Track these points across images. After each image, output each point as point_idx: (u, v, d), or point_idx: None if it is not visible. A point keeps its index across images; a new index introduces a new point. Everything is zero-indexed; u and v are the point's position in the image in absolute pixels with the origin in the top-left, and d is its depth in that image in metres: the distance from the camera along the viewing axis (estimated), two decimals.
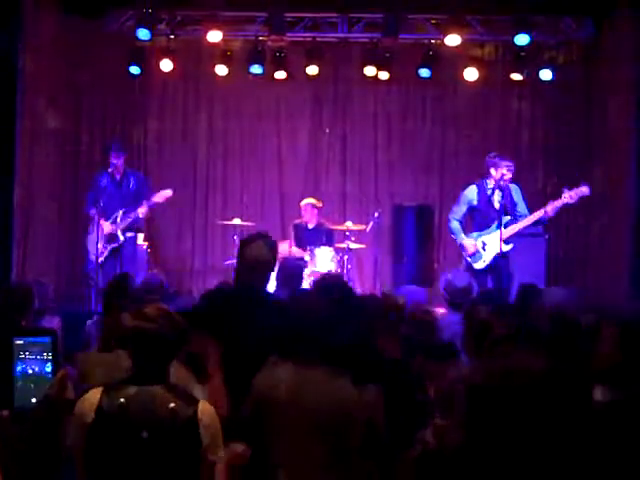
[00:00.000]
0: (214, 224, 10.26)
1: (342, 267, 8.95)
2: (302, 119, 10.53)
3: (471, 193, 7.85)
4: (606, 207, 8.73)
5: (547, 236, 8.60)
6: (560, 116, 9.92)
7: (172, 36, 9.50)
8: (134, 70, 9.42)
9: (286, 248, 8.96)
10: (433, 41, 9.42)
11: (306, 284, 6.72)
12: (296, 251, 8.97)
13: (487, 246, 7.68)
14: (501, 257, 7.52)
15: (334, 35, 9.79)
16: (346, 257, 9.04)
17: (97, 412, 2.75)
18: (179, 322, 2.90)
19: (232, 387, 3.45)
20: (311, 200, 9.31)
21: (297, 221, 9.42)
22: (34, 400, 2.86)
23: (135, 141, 10.33)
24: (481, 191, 7.79)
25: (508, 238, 7.54)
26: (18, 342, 2.92)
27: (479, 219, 7.84)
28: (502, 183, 7.63)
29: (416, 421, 3.29)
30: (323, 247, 8.89)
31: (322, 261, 8.76)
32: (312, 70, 9.59)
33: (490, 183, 7.74)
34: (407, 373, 3.74)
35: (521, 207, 7.73)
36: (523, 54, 9.11)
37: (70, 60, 9.37)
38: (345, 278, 8.76)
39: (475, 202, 7.82)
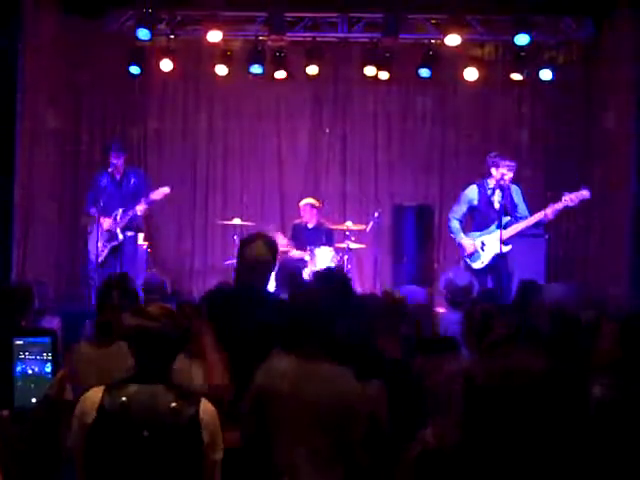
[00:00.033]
0: (214, 224, 10.26)
1: (342, 267, 8.94)
2: (302, 119, 10.53)
3: (472, 193, 7.85)
4: (606, 207, 8.72)
5: (547, 236, 8.59)
6: (560, 116, 9.92)
7: (172, 36, 9.50)
8: (134, 70, 9.42)
9: (282, 241, 9.00)
10: (433, 41, 9.42)
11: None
12: (296, 253, 8.96)
13: (486, 246, 7.68)
14: (500, 257, 7.52)
15: (334, 35, 9.79)
16: (346, 257, 9.05)
17: (99, 411, 2.75)
18: (181, 321, 2.91)
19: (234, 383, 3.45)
20: (310, 200, 9.32)
21: (297, 221, 9.42)
22: (34, 400, 2.86)
23: (135, 141, 10.33)
24: (481, 191, 7.79)
25: (507, 239, 7.54)
26: (18, 342, 2.92)
27: (479, 219, 7.84)
28: (502, 183, 7.64)
29: (416, 420, 3.30)
30: (323, 247, 8.89)
31: (322, 261, 8.75)
32: (312, 70, 9.59)
33: (491, 183, 7.74)
34: (407, 373, 3.74)
35: (521, 208, 7.73)
36: (523, 54, 9.11)
37: (70, 60, 9.37)
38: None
39: (475, 202, 7.83)
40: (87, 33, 9.52)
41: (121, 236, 8.42)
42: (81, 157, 9.85)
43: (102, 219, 8.28)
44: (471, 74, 9.40)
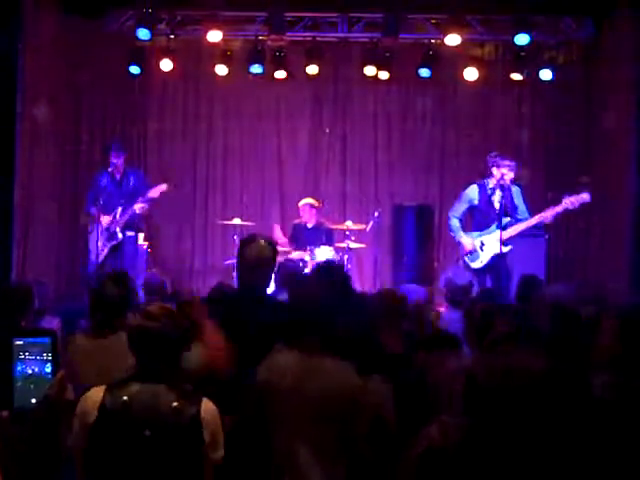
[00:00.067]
0: (214, 224, 10.26)
1: (342, 262, 8.94)
2: (302, 119, 10.53)
3: (472, 192, 7.86)
4: (606, 207, 8.72)
5: (547, 236, 8.60)
6: (560, 116, 9.91)
7: (172, 36, 9.50)
8: (134, 70, 9.42)
9: (279, 235, 9.02)
10: (433, 41, 9.42)
11: None
12: (295, 254, 8.95)
13: (485, 246, 7.69)
14: (499, 257, 7.52)
15: (334, 35, 9.79)
16: (346, 257, 9.04)
17: (100, 410, 2.75)
18: (182, 321, 2.91)
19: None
20: (309, 200, 9.31)
21: (296, 221, 9.42)
22: (34, 401, 2.85)
23: (135, 141, 10.33)
24: (482, 191, 7.79)
25: (507, 240, 7.54)
26: (18, 343, 2.92)
27: (479, 219, 7.85)
28: (502, 182, 7.63)
29: (419, 415, 3.30)
30: (323, 247, 8.89)
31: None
32: (312, 70, 9.59)
33: (491, 183, 7.74)
34: (409, 367, 3.75)
35: (521, 209, 7.73)
36: (523, 54, 9.11)
37: (70, 60, 9.37)
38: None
39: (476, 202, 7.83)
40: (87, 33, 9.52)
41: (120, 235, 8.43)
42: (81, 157, 9.85)
43: (102, 216, 8.29)
44: (471, 74, 9.40)
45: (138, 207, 8.38)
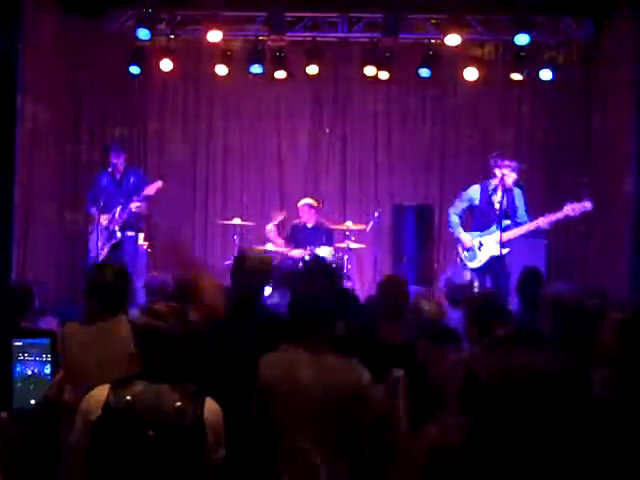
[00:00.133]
0: (214, 224, 10.26)
1: (342, 267, 8.94)
2: (302, 119, 10.53)
3: (474, 192, 7.86)
4: (606, 208, 8.72)
5: (547, 241, 8.60)
6: (560, 116, 9.91)
7: (172, 36, 9.50)
8: (134, 70, 9.42)
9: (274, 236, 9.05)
10: (433, 41, 9.42)
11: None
12: (296, 252, 8.96)
13: (483, 247, 7.69)
14: (497, 259, 7.52)
15: (334, 35, 9.79)
16: (346, 257, 9.04)
17: (104, 409, 2.75)
18: (190, 321, 2.90)
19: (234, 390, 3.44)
20: (308, 200, 9.31)
21: (295, 221, 9.42)
22: (33, 401, 2.86)
23: (135, 141, 10.33)
24: (484, 191, 7.79)
25: (505, 242, 7.52)
26: (17, 343, 2.92)
27: (479, 219, 7.84)
28: (504, 184, 7.61)
29: (421, 410, 3.32)
30: (323, 247, 8.89)
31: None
32: (312, 70, 9.59)
33: (493, 184, 7.73)
34: (413, 358, 3.77)
35: (520, 213, 7.72)
36: (523, 54, 9.10)
37: (70, 60, 9.37)
38: (345, 278, 8.77)
39: (476, 202, 7.83)
40: (87, 33, 9.53)
41: (119, 234, 8.44)
42: (81, 157, 9.85)
43: (101, 216, 8.30)
44: (471, 74, 9.40)
45: (134, 206, 8.39)
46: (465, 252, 7.79)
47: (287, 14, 9.30)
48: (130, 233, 8.55)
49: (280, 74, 9.62)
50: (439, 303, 4.99)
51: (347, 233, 9.08)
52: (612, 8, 8.81)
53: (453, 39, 8.87)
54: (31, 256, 8.59)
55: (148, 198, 8.46)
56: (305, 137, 10.54)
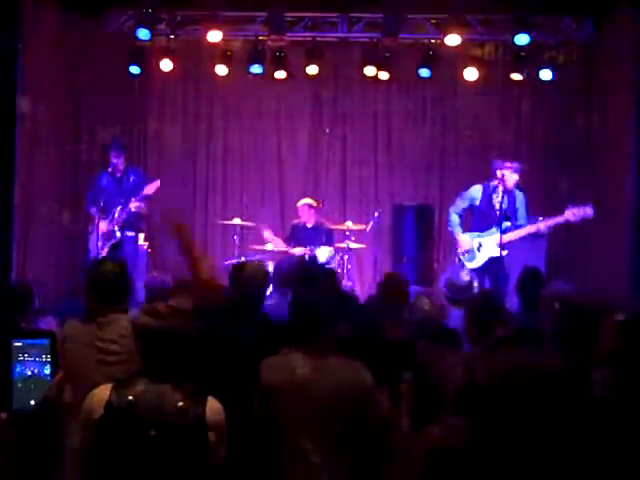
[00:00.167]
0: (214, 224, 10.26)
1: (342, 267, 8.95)
2: (302, 119, 10.53)
3: (475, 192, 7.85)
4: (606, 207, 8.71)
5: (547, 237, 8.59)
6: (560, 116, 9.90)
7: (172, 36, 9.51)
8: (134, 70, 9.42)
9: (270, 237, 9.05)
10: (433, 41, 9.42)
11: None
12: (297, 250, 8.95)
13: (482, 248, 7.69)
14: (495, 261, 7.51)
15: (334, 35, 9.80)
16: (346, 257, 9.04)
17: (106, 408, 2.75)
18: (190, 320, 2.89)
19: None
20: (307, 200, 9.30)
21: (295, 221, 9.41)
22: (33, 402, 2.85)
23: (135, 141, 10.32)
24: (485, 191, 7.78)
25: (505, 244, 7.51)
26: (17, 344, 2.92)
27: (479, 219, 7.84)
28: (505, 185, 7.60)
29: (423, 407, 3.33)
30: (323, 247, 8.89)
31: (322, 261, 8.76)
32: (312, 70, 9.59)
33: (494, 184, 7.72)
34: (414, 355, 3.76)
35: (521, 216, 7.71)
36: (523, 54, 9.10)
37: (70, 60, 9.37)
38: (344, 278, 8.78)
39: (477, 202, 7.83)
40: (87, 33, 9.53)
41: (119, 234, 8.44)
42: (81, 157, 9.84)
43: (100, 222, 8.30)
44: (471, 74, 9.40)
45: (134, 205, 8.39)
46: (463, 254, 7.79)
47: (287, 14, 9.30)
48: (130, 233, 8.56)
49: (280, 74, 9.62)
50: (441, 303, 4.99)
51: (347, 233, 9.08)
52: (612, 8, 8.81)
53: (453, 39, 8.87)
54: (31, 256, 8.59)
55: (147, 198, 8.46)
56: (305, 137, 10.54)
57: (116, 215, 8.44)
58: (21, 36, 8.28)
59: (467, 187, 8.09)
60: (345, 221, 9.38)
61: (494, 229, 7.57)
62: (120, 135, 9.89)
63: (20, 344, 2.94)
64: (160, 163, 10.38)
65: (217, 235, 10.39)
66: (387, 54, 9.49)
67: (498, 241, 7.44)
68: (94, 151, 9.82)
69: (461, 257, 7.79)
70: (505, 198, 7.63)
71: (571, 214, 7.38)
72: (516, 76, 9.38)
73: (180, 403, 2.76)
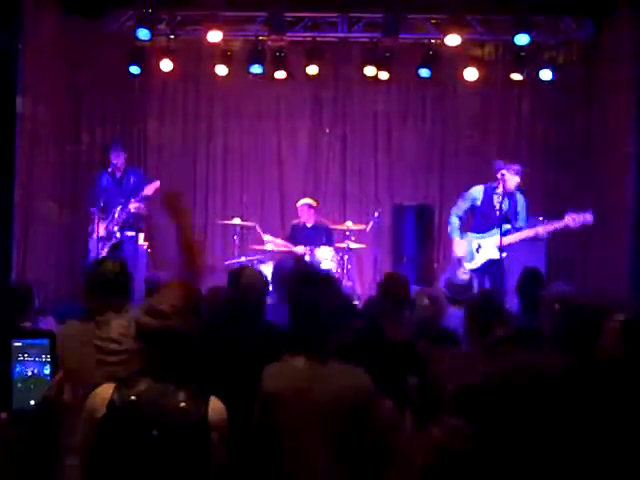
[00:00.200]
0: (214, 224, 10.26)
1: (342, 267, 8.95)
2: (302, 119, 10.53)
3: (477, 192, 7.84)
4: (606, 208, 8.72)
5: (547, 238, 8.59)
6: (560, 116, 9.91)
7: (172, 36, 9.51)
8: (134, 70, 9.43)
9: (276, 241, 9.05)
10: (433, 41, 9.42)
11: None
12: (299, 249, 8.93)
13: (481, 249, 7.68)
14: (494, 263, 7.51)
15: (334, 35, 9.80)
16: (346, 257, 9.03)
17: (109, 407, 2.74)
18: (193, 319, 2.89)
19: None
20: (307, 200, 9.31)
21: (295, 221, 9.42)
22: (32, 402, 2.85)
23: (135, 141, 10.33)
24: (487, 192, 7.76)
25: (504, 246, 7.50)
26: (16, 344, 2.91)
27: (479, 220, 7.83)
28: (504, 184, 7.59)
29: (423, 407, 3.33)
30: (323, 247, 8.89)
31: (322, 261, 8.76)
32: (312, 70, 9.59)
33: (497, 187, 7.71)
34: (415, 356, 3.76)
35: (521, 219, 7.71)
36: (523, 54, 9.11)
37: (70, 60, 9.37)
38: (345, 278, 8.78)
39: (478, 202, 7.82)
40: (87, 33, 9.52)
41: (118, 234, 8.45)
42: (81, 157, 9.85)
43: (100, 222, 8.30)
44: (471, 74, 9.40)
45: (133, 206, 8.40)
46: (465, 245, 7.79)
47: (287, 14, 9.31)
48: (130, 233, 8.57)
49: (280, 74, 9.62)
50: (440, 302, 4.99)
51: (347, 233, 9.08)
52: (612, 8, 8.81)
53: (453, 39, 8.87)
54: (31, 256, 8.59)
55: (147, 198, 8.46)
56: (305, 137, 10.54)
57: (116, 215, 8.45)
58: (21, 36, 8.29)
59: (467, 187, 8.08)
60: (345, 221, 9.38)
61: (494, 230, 7.55)
62: (120, 135, 9.89)
63: (20, 344, 2.94)
64: (160, 163, 10.39)
65: (217, 235, 10.39)
66: (387, 54, 9.50)
67: (497, 243, 7.43)
68: (94, 151, 9.83)
69: (460, 259, 7.78)
70: (506, 200, 7.62)
71: (571, 220, 7.36)
72: (516, 76, 9.38)
73: (182, 403, 2.76)
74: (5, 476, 2.71)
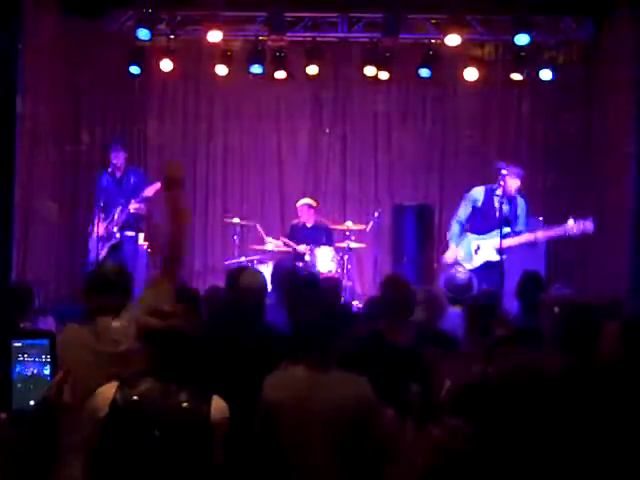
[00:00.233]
0: (214, 224, 10.27)
1: (342, 267, 8.94)
2: (302, 119, 10.53)
3: (478, 193, 7.83)
4: (606, 208, 8.72)
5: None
6: (560, 116, 9.91)
7: (172, 36, 9.51)
8: (134, 70, 9.43)
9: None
10: (433, 41, 9.42)
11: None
12: (302, 247, 8.92)
13: (480, 250, 7.68)
14: (491, 264, 7.50)
15: (334, 35, 9.80)
16: (346, 257, 9.03)
17: (111, 407, 2.75)
18: (195, 320, 2.89)
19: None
20: (307, 200, 9.31)
21: (295, 221, 9.42)
22: (32, 403, 2.85)
23: (135, 141, 10.32)
24: (487, 194, 7.75)
25: (503, 249, 7.48)
26: (16, 344, 2.91)
27: (480, 221, 7.82)
28: (504, 186, 7.58)
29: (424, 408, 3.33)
30: (323, 247, 8.89)
31: (322, 261, 8.76)
32: (312, 70, 9.59)
33: (498, 189, 7.70)
34: (417, 362, 3.76)
35: (520, 223, 7.70)
36: (523, 54, 9.10)
37: (70, 60, 9.37)
38: (345, 278, 8.78)
39: (479, 203, 7.81)
40: (87, 33, 9.53)
41: (118, 235, 8.45)
42: (81, 157, 9.85)
43: (100, 222, 8.30)
44: (471, 74, 9.40)
45: (133, 207, 8.39)
46: (461, 251, 7.78)
47: (287, 14, 9.31)
48: (130, 233, 8.56)
49: (280, 74, 9.61)
50: (439, 303, 4.99)
51: (347, 233, 9.07)
52: (612, 8, 8.81)
53: (453, 39, 8.87)
54: (31, 256, 8.60)
55: (147, 199, 8.46)
56: (305, 137, 10.54)
57: (115, 216, 8.44)
58: (21, 36, 8.30)
59: (467, 187, 8.08)
60: (345, 221, 9.38)
61: (494, 232, 7.53)
62: (120, 135, 9.88)
63: (20, 344, 2.93)
64: (160, 163, 10.36)
65: (217, 235, 10.39)
66: (387, 54, 9.49)
67: (496, 245, 7.43)
68: (94, 151, 9.84)
69: (458, 256, 7.78)
70: (506, 203, 7.61)
71: (570, 227, 7.35)
72: (516, 76, 9.38)
73: (185, 404, 2.77)
74: (5, 476, 2.71)
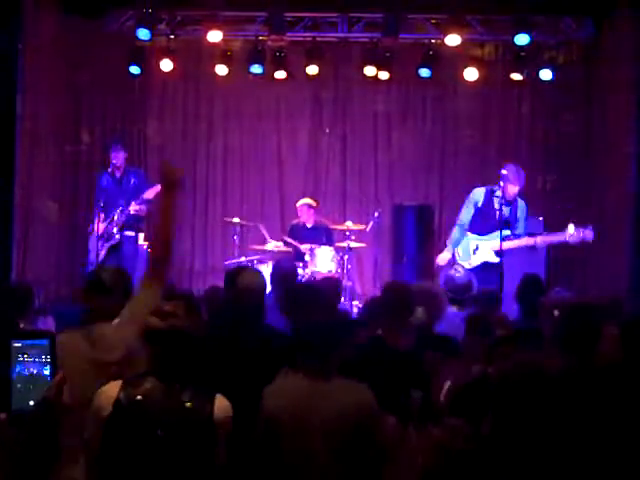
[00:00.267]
0: (214, 224, 10.27)
1: (342, 267, 8.94)
2: (302, 119, 10.53)
3: (479, 194, 7.83)
4: (606, 208, 8.72)
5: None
6: (560, 116, 9.91)
7: (172, 36, 9.50)
8: (134, 70, 9.43)
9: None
10: (433, 41, 9.42)
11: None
12: (305, 247, 8.91)
13: (478, 250, 7.68)
14: (489, 266, 7.49)
15: (334, 35, 9.79)
16: (346, 257, 9.02)
17: (115, 406, 2.75)
18: (198, 319, 2.89)
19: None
20: (307, 200, 9.31)
21: (294, 221, 9.42)
22: (32, 403, 2.85)
23: (135, 141, 10.32)
24: (488, 195, 7.74)
25: (501, 251, 7.47)
26: (16, 344, 2.92)
27: (480, 222, 7.81)
28: (504, 188, 7.57)
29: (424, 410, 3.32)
30: (323, 247, 8.89)
31: (322, 261, 8.76)
32: (312, 70, 9.58)
33: (499, 191, 7.70)
34: (418, 368, 3.75)
35: (520, 226, 7.70)
36: (523, 54, 9.10)
37: (70, 60, 9.38)
38: (345, 278, 8.77)
39: (480, 204, 7.81)
40: (87, 33, 9.53)
41: (118, 235, 8.45)
42: (81, 157, 9.85)
43: (100, 223, 8.30)
44: (471, 74, 9.40)
45: (133, 209, 8.39)
46: (460, 250, 7.78)
47: (287, 14, 9.30)
48: (130, 233, 8.55)
49: (280, 74, 9.61)
50: (439, 301, 4.98)
51: (347, 233, 9.07)
52: (612, 8, 8.81)
53: (453, 39, 8.87)
54: (31, 256, 8.60)
55: (147, 201, 8.45)
56: (305, 137, 10.54)
57: (115, 217, 8.44)
58: (21, 36, 8.30)
59: (467, 187, 8.08)
60: (345, 221, 9.37)
61: (494, 234, 7.52)
62: (120, 135, 9.88)
63: (20, 344, 2.94)
64: (160, 163, 10.36)
65: (217, 235, 10.39)
66: (387, 54, 9.49)
67: (495, 247, 7.42)
68: (94, 151, 9.84)
69: (456, 255, 7.78)
70: (506, 205, 7.60)
71: (570, 235, 7.33)
72: (516, 76, 9.37)
73: (188, 403, 2.77)
74: (4, 476, 2.71)
